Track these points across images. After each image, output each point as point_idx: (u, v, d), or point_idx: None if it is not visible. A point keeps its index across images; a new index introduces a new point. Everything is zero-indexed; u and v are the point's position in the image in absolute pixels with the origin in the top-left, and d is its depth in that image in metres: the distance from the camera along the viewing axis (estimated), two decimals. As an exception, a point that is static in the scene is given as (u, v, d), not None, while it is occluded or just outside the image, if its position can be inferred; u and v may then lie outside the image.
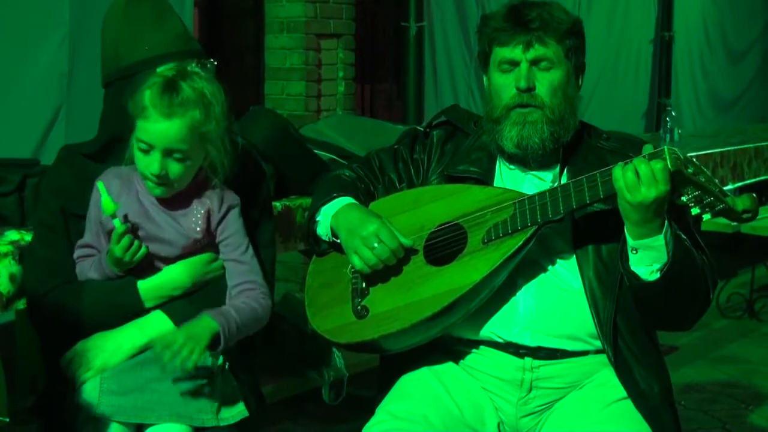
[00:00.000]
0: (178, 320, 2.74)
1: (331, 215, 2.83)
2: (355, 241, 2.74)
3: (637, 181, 2.44)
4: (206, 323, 2.65)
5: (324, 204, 2.87)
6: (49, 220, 2.82)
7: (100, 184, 2.69)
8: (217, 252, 2.82)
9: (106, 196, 2.68)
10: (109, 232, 2.71)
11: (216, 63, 2.88)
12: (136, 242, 2.68)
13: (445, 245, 2.75)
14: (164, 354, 2.57)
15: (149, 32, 2.80)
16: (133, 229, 2.69)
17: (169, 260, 2.77)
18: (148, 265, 2.76)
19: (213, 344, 2.65)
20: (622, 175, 2.46)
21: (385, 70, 8.80)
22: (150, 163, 2.63)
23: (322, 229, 2.87)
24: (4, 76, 4.72)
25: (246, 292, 2.78)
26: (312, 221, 2.91)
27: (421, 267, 2.75)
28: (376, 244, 2.71)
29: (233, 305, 2.73)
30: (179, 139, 2.62)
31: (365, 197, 2.92)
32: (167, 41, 2.79)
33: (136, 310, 2.76)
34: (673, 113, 8.36)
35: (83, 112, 4.07)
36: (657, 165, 2.44)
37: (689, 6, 11.40)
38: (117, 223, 2.67)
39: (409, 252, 2.75)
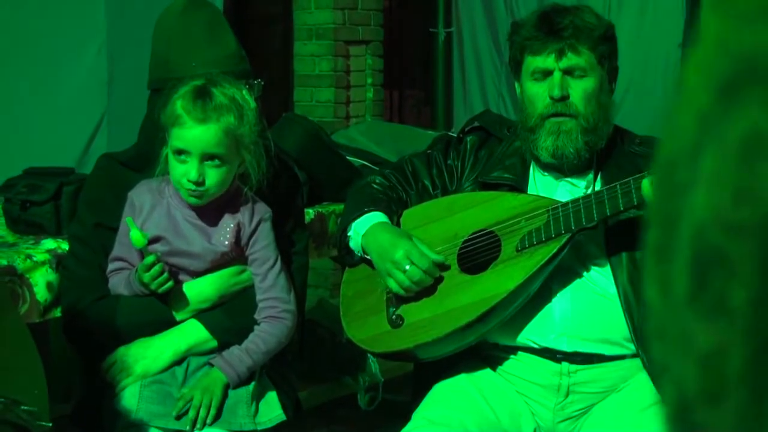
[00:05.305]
0: (214, 329, 2.76)
1: (361, 234, 2.84)
2: (386, 264, 2.75)
3: None
4: (216, 376, 2.71)
5: (355, 219, 2.87)
6: (84, 235, 2.83)
7: (129, 220, 2.68)
8: (246, 263, 2.83)
9: (135, 230, 2.66)
10: (139, 251, 2.72)
11: (263, 83, 2.89)
12: (165, 274, 2.69)
13: (478, 253, 2.76)
14: (190, 410, 2.64)
15: (202, 47, 2.80)
16: (160, 259, 2.70)
17: (197, 274, 2.78)
18: (175, 279, 2.76)
19: (226, 390, 2.71)
20: (650, 184, 2.46)
21: (414, 76, 8.81)
22: (187, 171, 2.64)
23: (354, 245, 2.88)
24: (45, 87, 4.75)
25: (267, 309, 2.79)
26: (344, 235, 2.92)
27: (456, 275, 2.76)
28: (407, 267, 2.72)
29: (248, 345, 2.75)
30: (215, 143, 2.63)
31: (397, 206, 2.92)
32: (218, 60, 2.79)
33: (168, 323, 2.77)
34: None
35: (125, 120, 4.08)
36: None
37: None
38: (149, 257, 2.67)
39: (442, 265, 2.76)
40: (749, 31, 0.43)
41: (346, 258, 2.97)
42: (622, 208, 2.57)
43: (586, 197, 2.63)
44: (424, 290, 2.77)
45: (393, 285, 2.76)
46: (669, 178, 0.47)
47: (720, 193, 0.43)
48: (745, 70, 0.43)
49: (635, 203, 2.54)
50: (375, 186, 2.97)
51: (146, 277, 2.66)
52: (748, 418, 0.43)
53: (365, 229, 2.84)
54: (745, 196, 0.42)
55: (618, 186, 2.57)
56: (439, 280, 2.77)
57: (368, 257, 2.84)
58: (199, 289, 2.78)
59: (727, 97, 0.43)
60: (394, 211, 2.90)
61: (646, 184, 2.48)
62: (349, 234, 2.89)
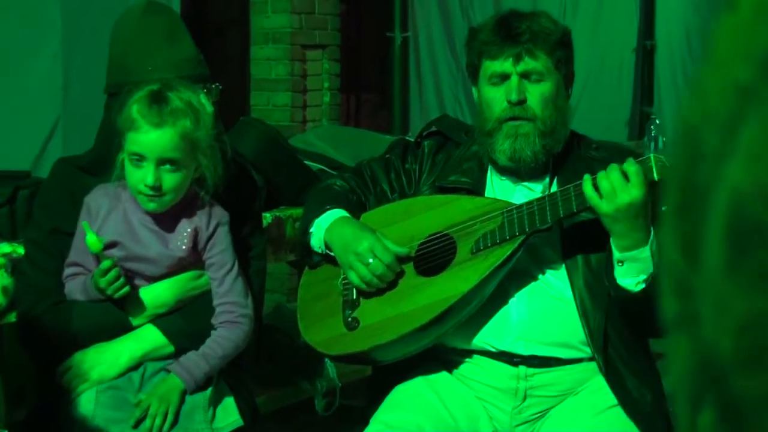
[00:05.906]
0: (171, 335, 2.75)
1: (324, 229, 2.84)
2: (349, 257, 2.75)
3: (611, 188, 2.47)
4: (173, 382, 2.69)
5: (317, 216, 2.87)
6: (40, 240, 2.81)
7: (84, 224, 2.66)
8: (203, 268, 2.82)
9: (91, 235, 2.65)
10: (95, 256, 2.71)
11: (221, 87, 2.89)
12: (122, 279, 2.67)
13: (434, 256, 2.77)
14: (147, 419, 2.63)
15: (159, 51, 2.79)
16: (117, 264, 2.68)
17: (154, 279, 2.77)
18: (132, 284, 2.74)
19: (183, 396, 2.70)
20: (591, 187, 2.50)
21: (370, 81, 8.82)
22: (144, 176, 2.63)
23: (316, 242, 2.88)
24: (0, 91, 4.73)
25: (225, 314, 2.78)
26: (305, 233, 2.92)
27: (411, 278, 2.77)
28: (371, 260, 2.72)
29: (205, 350, 2.74)
30: (171, 147, 2.62)
31: (357, 209, 2.92)
32: (176, 64, 2.79)
33: (124, 328, 2.75)
34: (658, 121, 8.40)
35: (80, 125, 4.08)
36: (631, 168, 2.47)
37: (671, 15, 11.44)
38: (105, 262, 2.66)
39: (403, 262, 2.77)
40: None
41: (306, 259, 2.97)
42: (575, 210, 2.60)
43: (540, 199, 2.65)
44: (380, 292, 2.78)
45: (354, 278, 2.76)
46: (693, 141, 0.47)
47: (763, 168, 0.43)
48: None
49: (588, 205, 2.56)
50: (336, 188, 2.98)
51: (102, 282, 2.65)
52: None
53: (328, 223, 2.84)
54: None
55: (571, 188, 2.59)
56: (395, 282, 2.78)
57: (331, 253, 2.84)
58: (156, 294, 2.77)
59: None
60: (354, 213, 2.90)
61: (588, 187, 2.51)
62: (311, 231, 2.88)
